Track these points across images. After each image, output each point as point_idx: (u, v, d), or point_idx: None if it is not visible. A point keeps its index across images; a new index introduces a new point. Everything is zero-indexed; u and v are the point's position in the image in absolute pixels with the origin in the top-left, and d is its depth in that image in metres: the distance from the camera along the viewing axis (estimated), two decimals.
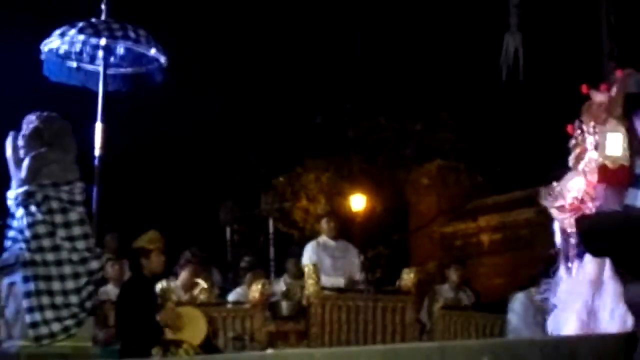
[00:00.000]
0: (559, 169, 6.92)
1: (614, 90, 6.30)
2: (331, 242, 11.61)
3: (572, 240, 6.23)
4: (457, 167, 21.36)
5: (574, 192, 6.41)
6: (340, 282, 11.21)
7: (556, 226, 6.63)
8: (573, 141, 6.58)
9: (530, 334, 10.23)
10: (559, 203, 6.51)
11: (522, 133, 19.48)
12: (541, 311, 10.60)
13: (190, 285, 10.73)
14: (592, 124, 6.40)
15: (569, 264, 6.43)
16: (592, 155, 6.40)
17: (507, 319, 11.01)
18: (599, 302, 6.07)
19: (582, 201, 6.36)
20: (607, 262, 5.84)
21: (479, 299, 12.80)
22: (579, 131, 6.52)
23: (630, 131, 6.06)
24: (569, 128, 6.62)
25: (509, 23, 10.50)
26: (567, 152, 6.76)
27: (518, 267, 17.30)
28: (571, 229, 6.23)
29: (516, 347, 3.95)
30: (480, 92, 18.84)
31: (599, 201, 6.17)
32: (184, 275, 10.75)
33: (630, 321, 5.73)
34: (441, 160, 21.54)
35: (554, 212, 6.57)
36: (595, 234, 4.09)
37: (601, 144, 6.23)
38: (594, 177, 6.35)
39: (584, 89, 6.51)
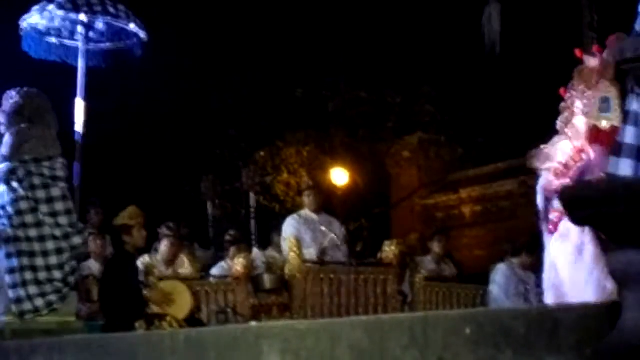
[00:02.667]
0: (541, 141, 6.93)
1: (607, 52, 6.26)
2: (313, 216, 11.61)
3: (555, 203, 6.25)
4: (438, 140, 21.34)
5: (561, 155, 6.42)
6: (312, 253, 11.18)
7: (539, 188, 6.64)
8: (563, 104, 6.57)
9: (511, 304, 10.31)
10: (548, 164, 6.52)
11: (503, 105, 19.48)
12: (523, 282, 10.74)
13: (170, 260, 10.73)
14: (582, 88, 6.39)
15: (550, 227, 6.47)
16: (577, 120, 6.39)
17: (488, 291, 11.09)
18: (581, 263, 6.13)
19: (566, 166, 6.37)
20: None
21: (461, 270, 12.85)
22: (569, 94, 6.51)
23: (622, 93, 6.03)
24: (562, 91, 6.61)
25: None
26: (549, 123, 6.77)
27: (499, 239, 17.30)
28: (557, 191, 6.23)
29: (500, 317, 3.97)
30: (461, 64, 18.83)
31: (594, 162, 6.17)
32: (163, 249, 10.75)
33: (608, 285, 5.81)
34: (422, 133, 21.51)
35: (543, 173, 6.58)
36: (578, 203, 4.11)
37: (594, 105, 6.21)
38: (578, 142, 6.35)
39: (578, 53, 6.50)
